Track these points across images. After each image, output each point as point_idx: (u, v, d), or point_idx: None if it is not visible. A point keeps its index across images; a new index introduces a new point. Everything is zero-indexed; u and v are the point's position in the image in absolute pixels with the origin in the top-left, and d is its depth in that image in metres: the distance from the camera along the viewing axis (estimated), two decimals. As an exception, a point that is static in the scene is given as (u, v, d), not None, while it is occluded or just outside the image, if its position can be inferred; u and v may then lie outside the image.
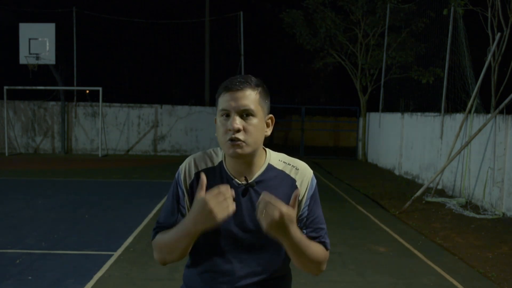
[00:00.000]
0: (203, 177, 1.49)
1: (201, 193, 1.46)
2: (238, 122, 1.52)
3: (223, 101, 1.56)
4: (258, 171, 1.63)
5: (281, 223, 1.42)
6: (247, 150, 1.54)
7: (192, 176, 1.64)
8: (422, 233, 6.44)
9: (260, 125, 1.57)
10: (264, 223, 1.42)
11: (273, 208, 1.40)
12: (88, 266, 4.73)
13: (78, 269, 4.64)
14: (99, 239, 5.70)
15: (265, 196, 1.43)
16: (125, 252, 5.22)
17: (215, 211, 1.41)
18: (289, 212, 1.42)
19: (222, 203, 1.42)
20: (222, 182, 1.61)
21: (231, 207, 1.43)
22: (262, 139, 1.60)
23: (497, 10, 8.33)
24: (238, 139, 1.52)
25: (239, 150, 1.53)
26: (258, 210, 1.43)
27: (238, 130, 1.52)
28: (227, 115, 1.55)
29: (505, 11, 8.25)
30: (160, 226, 1.68)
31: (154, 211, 7.24)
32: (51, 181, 10.05)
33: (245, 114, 1.54)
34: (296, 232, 1.48)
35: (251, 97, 1.55)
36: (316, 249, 1.61)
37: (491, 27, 8.54)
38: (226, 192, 1.42)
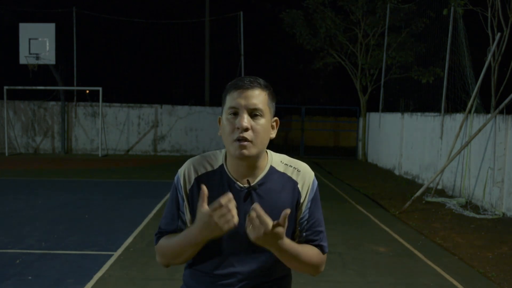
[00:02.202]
0: (204, 188, 1.44)
1: (204, 206, 1.41)
2: (246, 121, 1.50)
3: (232, 99, 1.53)
4: (261, 174, 1.61)
5: (267, 239, 1.41)
6: (253, 151, 1.52)
7: (192, 181, 1.62)
8: (422, 233, 6.44)
9: (267, 127, 1.56)
10: (250, 235, 1.41)
11: (260, 224, 1.38)
12: (88, 266, 4.73)
13: (78, 269, 4.64)
14: (99, 239, 5.70)
15: (255, 209, 1.39)
16: (125, 252, 5.22)
17: (219, 224, 1.39)
18: (276, 230, 1.40)
19: (225, 215, 1.39)
20: (223, 185, 1.60)
21: (235, 218, 1.40)
22: (267, 141, 1.58)
23: (497, 10, 8.33)
24: (246, 139, 1.49)
25: (245, 152, 1.50)
26: (246, 221, 1.41)
27: (246, 129, 1.49)
28: (235, 113, 1.52)
29: (505, 11, 8.25)
30: (162, 232, 1.68)
31: (154, 211, 7.23)
32: (51, 181, 10.05)
33: (254, 113, 1.52)
34: (283, 244, 1.47)
35: (260, 97, 1.53)
36: (309, 255, 1.60)
37: (491, 27, 8.54)
38: (228, 203, 1.39)
